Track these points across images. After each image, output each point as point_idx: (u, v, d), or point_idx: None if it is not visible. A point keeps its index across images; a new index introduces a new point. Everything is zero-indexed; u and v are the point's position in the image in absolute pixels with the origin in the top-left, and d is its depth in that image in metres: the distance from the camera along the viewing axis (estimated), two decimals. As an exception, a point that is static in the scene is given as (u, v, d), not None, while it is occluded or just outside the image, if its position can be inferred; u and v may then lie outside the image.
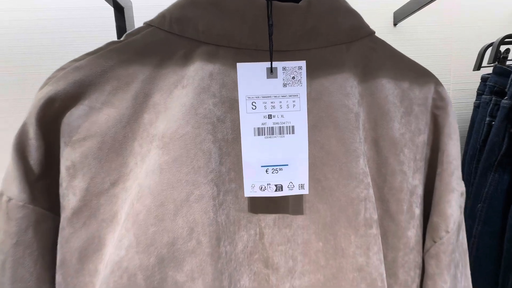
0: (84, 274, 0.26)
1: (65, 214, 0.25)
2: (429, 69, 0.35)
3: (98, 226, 0.26)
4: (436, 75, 0.35)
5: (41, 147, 0.26)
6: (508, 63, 0.70)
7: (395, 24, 0.78)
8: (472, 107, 0.77)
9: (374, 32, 0.33)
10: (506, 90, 0.63)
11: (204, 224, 0.25)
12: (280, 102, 0.25)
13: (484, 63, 0.73)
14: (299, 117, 0.26)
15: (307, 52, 0.29)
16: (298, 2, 0.29)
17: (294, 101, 0.26)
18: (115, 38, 0.48)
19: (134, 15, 0.60)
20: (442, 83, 0.35)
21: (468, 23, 0.82)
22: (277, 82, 0.25)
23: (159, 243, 0.25)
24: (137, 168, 0.26)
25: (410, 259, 0.32)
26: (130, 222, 0.25)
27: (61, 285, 0.26)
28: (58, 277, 0.26)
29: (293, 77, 0.25)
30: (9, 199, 0.25)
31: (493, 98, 0.66)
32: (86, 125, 0.26)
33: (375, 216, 0.30)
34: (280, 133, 0.26)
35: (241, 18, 0.28)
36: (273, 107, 0.25)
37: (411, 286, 0.33)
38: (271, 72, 0.25)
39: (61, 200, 0.26)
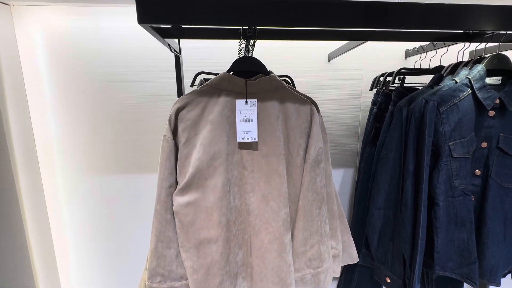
0: (185, 164, 0.83)
1: (181, 143, 0.82)
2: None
3: (190, 148, 0.83)
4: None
5: (174, 122, 0.82)
6: (392, 88, 1.26)
7: (329, 61, 1.33)
8: (370, 111, 1.33)
9: (286, 86, 0.88)
10: (375, 102, 1.19)
11: (224, 150, 0.82)
12: (248, 111, 0.81)
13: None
14: (255, 117, 0.81)
15: (259, 94, 0.85)
16: (255, 78, 0.84)
17: (253, 111, 0.81)
18: (170, 74, 1.07)
19: (183, 60, 1.15)
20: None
21: (373, 60, 1.37)
22: (248, 106, 0.81)
23: (210, 152, 0.81)
24: (202, 130, 0.82)
25: (297, 171, 0.89)
26: (200, 147, 0.81)
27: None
28: (178, 168, 0.83)
29: (253, 104, 0.81)
30: (167, 137, 0.81)
31: (373, 107, 1.23)
32: (186, 116, 0.82)
33: (283, 152, 0.86)
34: (248, 122, 0.82)
35: (236, 84, 0.83)
36: (246, 113, 0.81)
37: (298, 181, 0.89)
38: (246, 102, 0.81)
39: (179, 139, 0.82)
